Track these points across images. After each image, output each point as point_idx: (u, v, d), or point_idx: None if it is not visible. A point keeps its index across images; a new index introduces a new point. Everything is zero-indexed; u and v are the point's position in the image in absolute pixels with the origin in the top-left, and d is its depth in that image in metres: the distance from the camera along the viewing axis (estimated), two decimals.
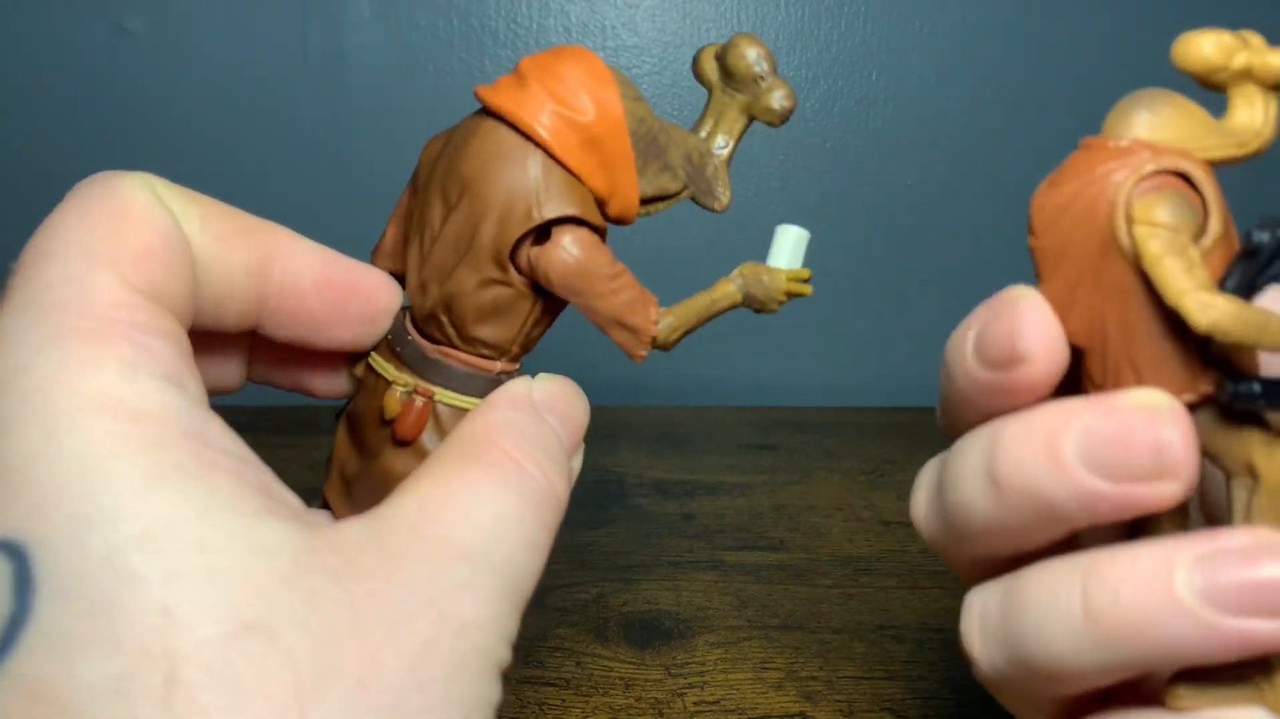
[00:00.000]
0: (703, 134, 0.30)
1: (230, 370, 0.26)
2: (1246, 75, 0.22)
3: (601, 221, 0.26)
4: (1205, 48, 0.22)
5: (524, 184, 0.24)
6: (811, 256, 0.83)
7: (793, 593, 0.47)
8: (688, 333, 0.28)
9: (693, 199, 0.29)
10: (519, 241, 0.25)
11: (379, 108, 0.72)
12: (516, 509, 0.19)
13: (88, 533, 0.13)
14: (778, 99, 0.28)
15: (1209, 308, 0.19)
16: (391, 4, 0.71)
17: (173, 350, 0.17)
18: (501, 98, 0.25)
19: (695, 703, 0.38)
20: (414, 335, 0.26)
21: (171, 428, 0.15)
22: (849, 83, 0.73)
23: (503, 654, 0.18)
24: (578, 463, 0.23)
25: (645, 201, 0.28)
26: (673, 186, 0.28)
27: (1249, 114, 0.22)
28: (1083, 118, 0.80)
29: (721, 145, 0.30)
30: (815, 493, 0.58)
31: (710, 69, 0.30)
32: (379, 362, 0.26)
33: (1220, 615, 0.18)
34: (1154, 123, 0.25)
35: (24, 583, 0.13)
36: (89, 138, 0.73)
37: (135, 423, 0.15)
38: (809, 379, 0.77)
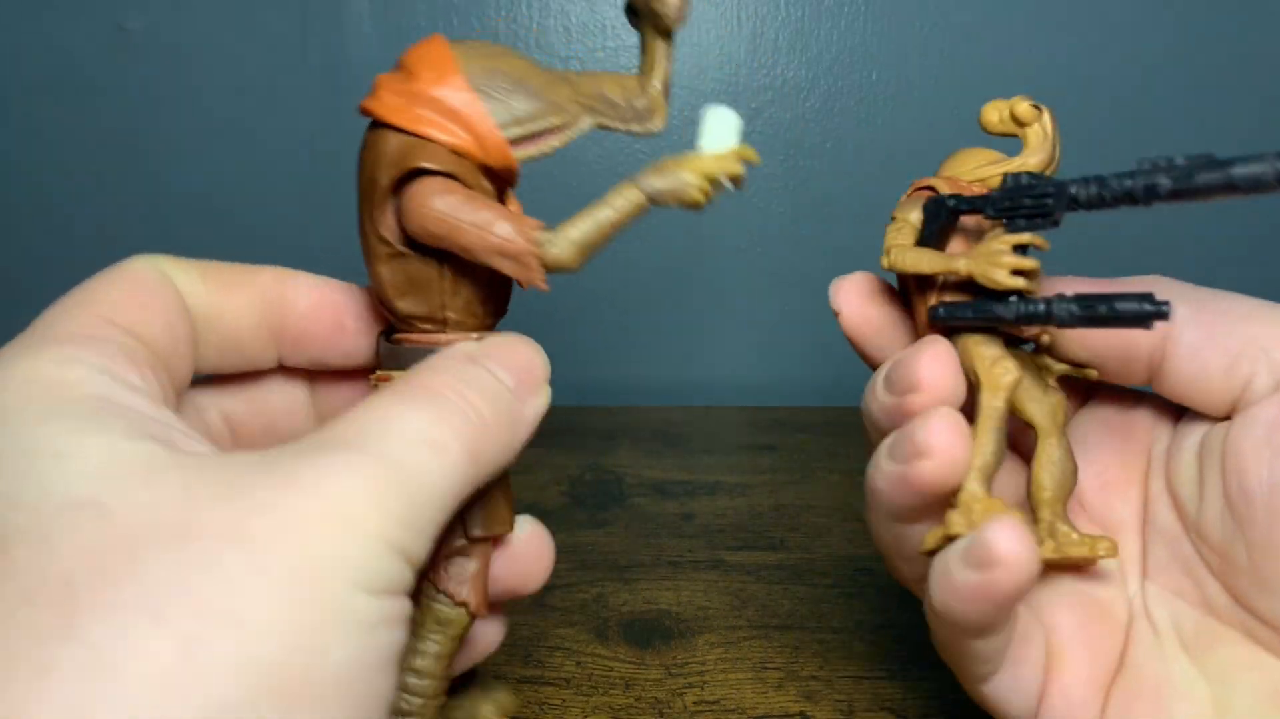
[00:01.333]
0: (636, 74, 0.31)
1: (298, 410, 0.29)
2: (1015, 121, 0.33)
3: (471, 176, 0.26)
4: (984, 116, 0.33)
5: (379, 159, 0.27)
6: (811, 257, 0.82)
7: (793, 593, 0.47)
8: (592, 248, 0.27)
9: (617, 128, 0.30)
10: (393, 212, 0.26)
11: None
12: (416, 415, 0.21)
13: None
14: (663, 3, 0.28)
15: (888, 253, 0.34)
16: (391, 4, 0.71)
17: (118, 354, 0.21)
18: (364, 102, 0.28)
19: (695, 703, 0.38)
20: (382, 339, 0.27)
21: (80, 390, 0.19)
22: (849, 83, 0.73)
23: (380, 554, 0.19)
24: (537, 402, 0.24)
25: (518, 141, 0.27)
26: (554, 120, 0.28)
27: (1032, 140, 0.33)
28: (1081, 117, 0.80)
29: (656, 80, 0.31)
30: (815, 493, 0.58)
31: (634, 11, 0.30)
32: (378, 373, 0.27)
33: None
34: (947, 164, 0.37)
35: None
36: (89, 138, 0.73)
37: (49, 387, 0.19)
38: (809, 379, 0.77)
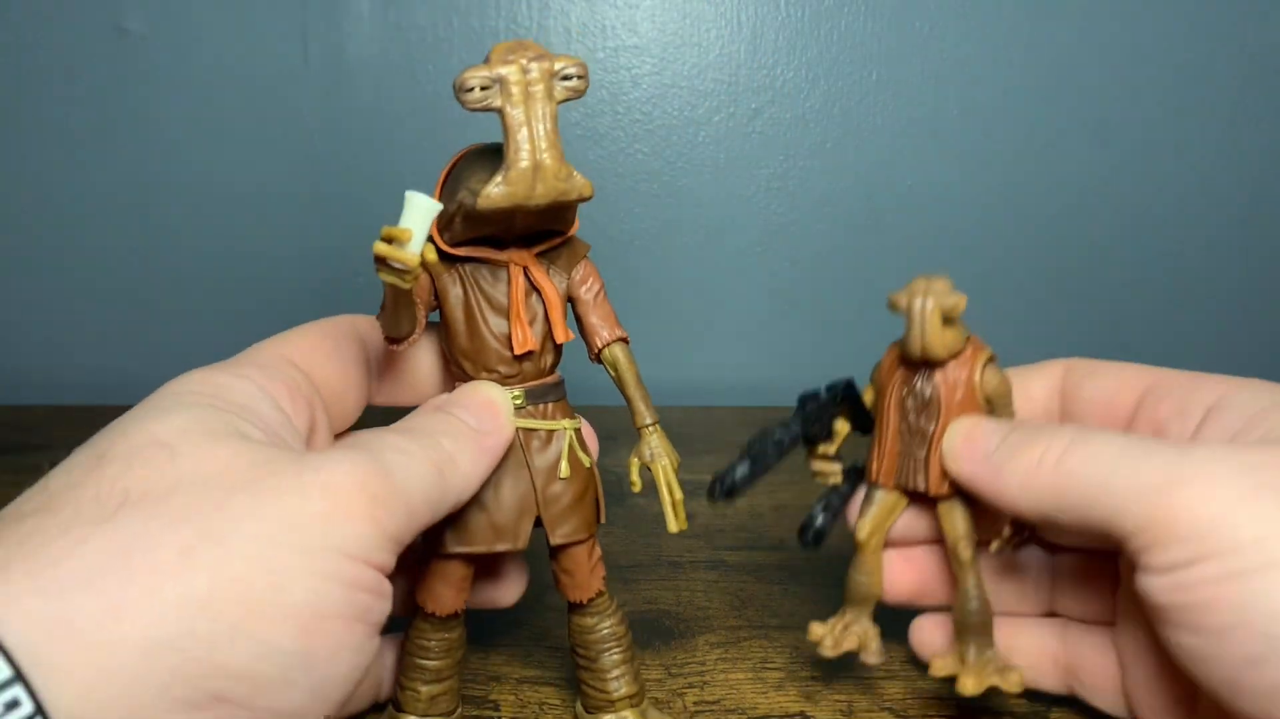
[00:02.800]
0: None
1: None
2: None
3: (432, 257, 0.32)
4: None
5: None
6: (811, 257, 0.82)
7: (792, 593, 0.47)
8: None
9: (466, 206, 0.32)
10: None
11: (379, 108, 0.72)
12: (393, 436, 0.28)
13: (120, 423, 0.27)
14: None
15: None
16: (391, 4, 0.71)
17: (280, 381, 0.29)
18: None
19: (695, 703, 0.38)
20: None
21: (227, 394, 0.27)
22: (849, 83, 0.73)
23: (356, 524, 0.25)
24: (498, 436, 0.32)
25: (444, 228, 0.33)
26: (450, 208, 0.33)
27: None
28: (1081, 118, 0.80)
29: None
30: (815, 493, 0.58)
31: None
32: None
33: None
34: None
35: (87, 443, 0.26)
36: (88, 138, 0.73)
37: (211, 388, 0.28)
38: (809, 379, 0.77)
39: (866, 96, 0.73)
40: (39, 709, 0.20)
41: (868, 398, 0.37)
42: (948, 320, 0.33)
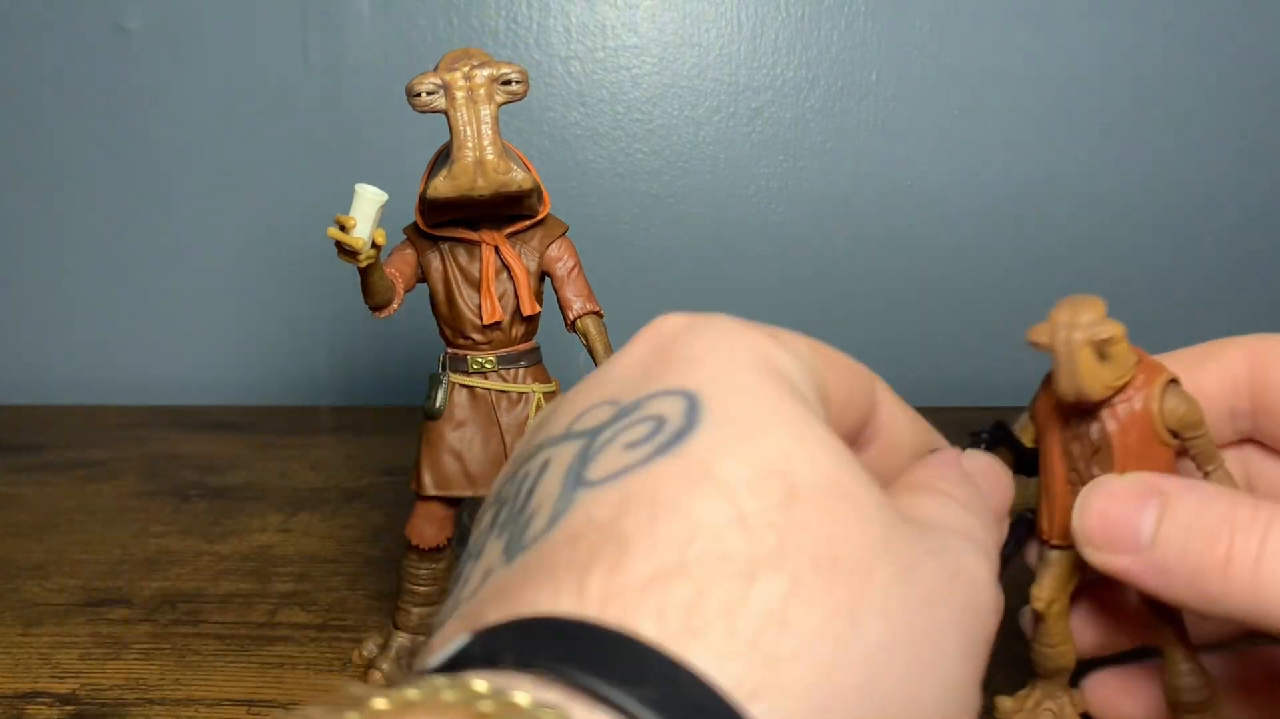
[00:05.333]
0: None
1: None
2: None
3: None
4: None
5: None
6: (811, 257, 0.82)
7: None
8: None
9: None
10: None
11: (379, 108, 0.72)
12: (971, 522, 0.23)
13: (742, 407, 0.20)
14: None
15: None
16: (391, 4, 0.71)
17: (823, 377, 0.24)
18: None
19: None
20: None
21: (793, 387, 0.21)
22: (849, 83, 0.73)
23: (993, 626, 0.22)
24: (1003, 528, 0.26)
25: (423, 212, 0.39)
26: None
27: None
28: (1081, 119, 0.80)
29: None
30: None
31: None
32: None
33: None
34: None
35: (694, 413, 0.19)
36: (89, 138, 0.73)
37: (775, 376, 0.21)
38: None
39: (866, 96, 0.73)
40: None
41: (1027, 437, 0.31)
42: (1104, 353, 0.27)
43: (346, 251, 0.36)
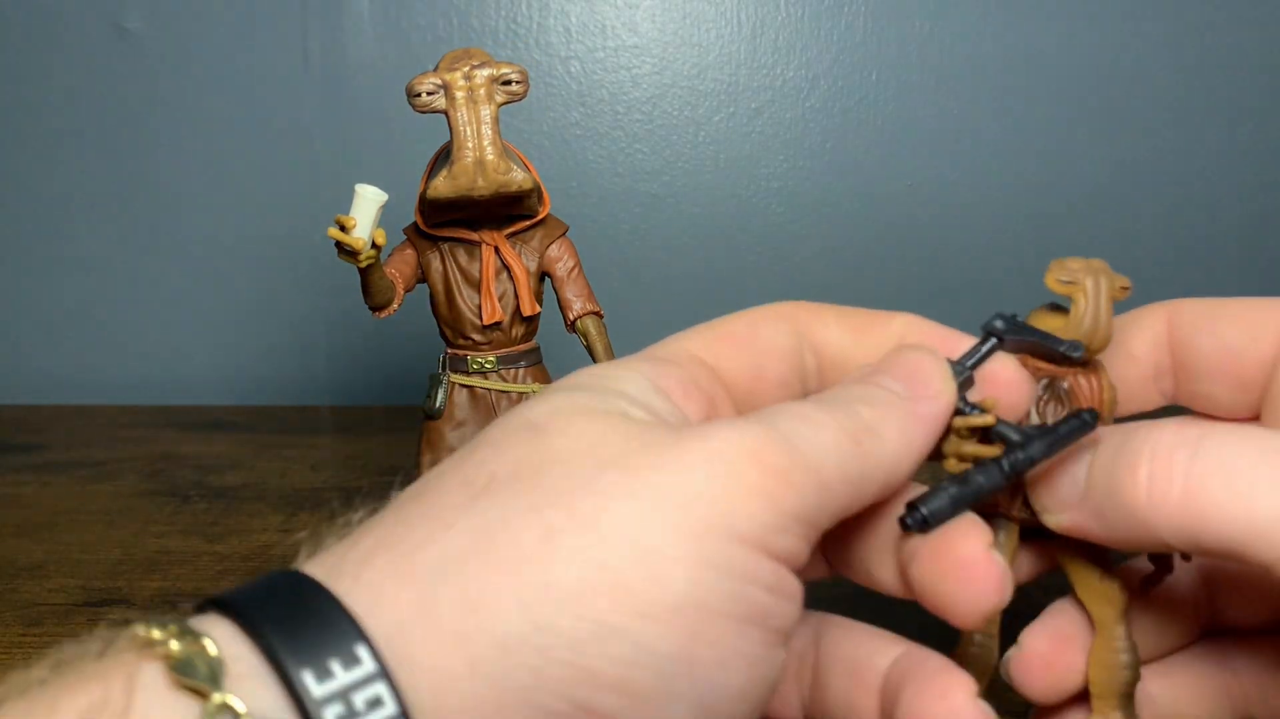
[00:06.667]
0: None
1: None
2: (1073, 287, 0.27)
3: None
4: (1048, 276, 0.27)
5: None
6: (811, 257, 0.83)
7: None
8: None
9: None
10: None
11: (379, 108, 0.72)
12: (800, 404, 0.23)
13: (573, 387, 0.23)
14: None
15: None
16: (391, 4, 0.71)
17: (673, 376, 0.24)
18: None
19: None
20: None
21: (616, 384, 0.23)
22: (849, 83, 0.73)
23: (757, 506, 0.20)
24: (933, 404, 0.24)
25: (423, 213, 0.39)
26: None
27: (1076, 310, 0.26)
28: (1082, 119, 0.80)
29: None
30: None
31: None
32: None
33: None
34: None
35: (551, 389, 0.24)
36: (89, 138, 0.73)
37: (602, 379, 0.23)
38: None
39: (866, 96, 0.73)
40: (403, 711, 0.18)
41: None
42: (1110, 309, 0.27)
43: (347, 251, 0.36)
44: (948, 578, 0.22)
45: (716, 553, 0.19)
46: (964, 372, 0.24)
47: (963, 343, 0.25)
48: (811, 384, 0.26)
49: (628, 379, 0.23)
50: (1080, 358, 0.25)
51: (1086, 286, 0.26)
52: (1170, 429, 0.22)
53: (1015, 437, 0.23)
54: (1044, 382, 0.26)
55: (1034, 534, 0.26)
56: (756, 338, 0.25)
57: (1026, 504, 0.25)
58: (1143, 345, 0.28)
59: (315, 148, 0.73)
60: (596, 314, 0.41)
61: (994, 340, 0.24)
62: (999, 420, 0.23)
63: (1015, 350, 0.25)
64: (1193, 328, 0.28)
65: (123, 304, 0.76)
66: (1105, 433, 0.24)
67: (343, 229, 0.36)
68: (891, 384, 0.23)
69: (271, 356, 0.76)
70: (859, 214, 0.74)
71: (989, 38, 0.72)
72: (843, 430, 0.22)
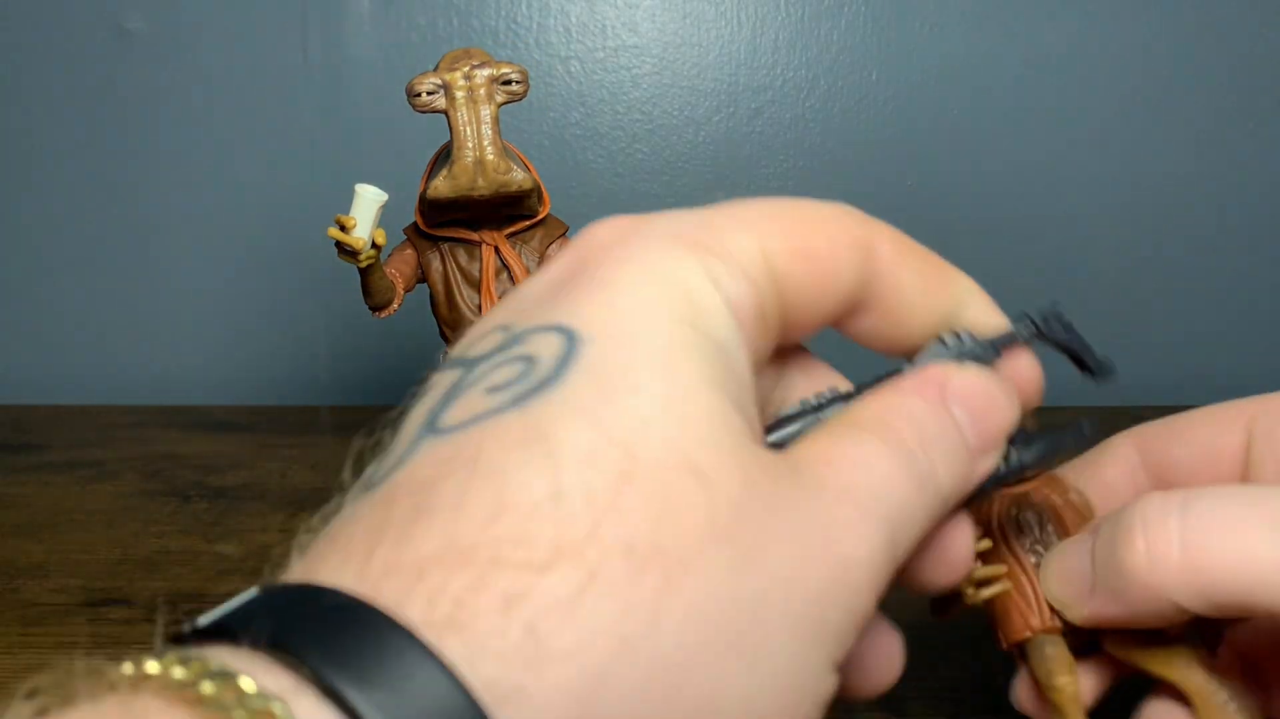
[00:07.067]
0: None
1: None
2: None
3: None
4: None
5: None
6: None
7: None
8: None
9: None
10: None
11: (379, 108, 0.72)
12: (900, 478, 0.19)
13: (622, 358, 0.18)
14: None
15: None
16: (391, 3, 0.71)
17: (751, 301, 0.20)
18: None
19: None
20: None
21: (703, 334, 0.19)
22: (849, 83, 0.73)
23: (867, 604, 0.18)
24: (989, 460, 0.22)
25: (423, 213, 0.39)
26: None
27: None
28: (1082, 118, 0.80)
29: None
30: None
31: None
32: None
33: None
34: None
35: (566, 359, 0.17)
36: (89, 138, 0.73)
37: (683, 318, 0.18)
38: None
39: (866, 96, 0.73)
40: None
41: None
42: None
43: (347, 251, 0.36)
44: (926, 559, 0.22)
45: (830, 647, 0.18)
46: (992, 354, 0.23)
47: (1002, 327, 0.24)
48: (847, 317, 0.23)
49: (718, 315, 0.19)
50: (1108, 376, 0.24)
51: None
52: (1156, 497, 0.23)
53: (1015, 435, 0.22)
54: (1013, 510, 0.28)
55: (1089, 649, 0.27)
56: (833, 265, 0.22)
57: (1054, 612, 0.26)
58: (1118, 474, 0.29)
59: (315, 148, 0.73)
60: None
61: (1029, 333, 0.23)
62: None
63: (1052, 344, 0.24)
64: (1164, 444, 0.29)
65: (123, 304, 0.76)
66: (1097, 524, 0.25)
67: (343, 229, 0.36)
68: (969, 429, 0.21)
69: (271, 357, 0.76)
70: None
71: (989, 38, 0.72)
72: (930, 518, 0.20)
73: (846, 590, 0.18)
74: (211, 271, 0.75)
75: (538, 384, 0.17)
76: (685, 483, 0.17)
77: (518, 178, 0.36)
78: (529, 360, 0.18)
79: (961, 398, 0.21)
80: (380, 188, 0.37)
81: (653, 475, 0.17)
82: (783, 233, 0.21)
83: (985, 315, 0.23)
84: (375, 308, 0.39)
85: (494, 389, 0.18)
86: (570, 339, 0.18)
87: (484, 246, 0.39)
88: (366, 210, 0.36)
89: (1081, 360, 0.24)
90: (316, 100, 0.72)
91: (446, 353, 0.41)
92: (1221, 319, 0.77)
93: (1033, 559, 0.28)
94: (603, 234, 0.21)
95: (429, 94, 0.36)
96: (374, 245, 0.37)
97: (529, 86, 0.36)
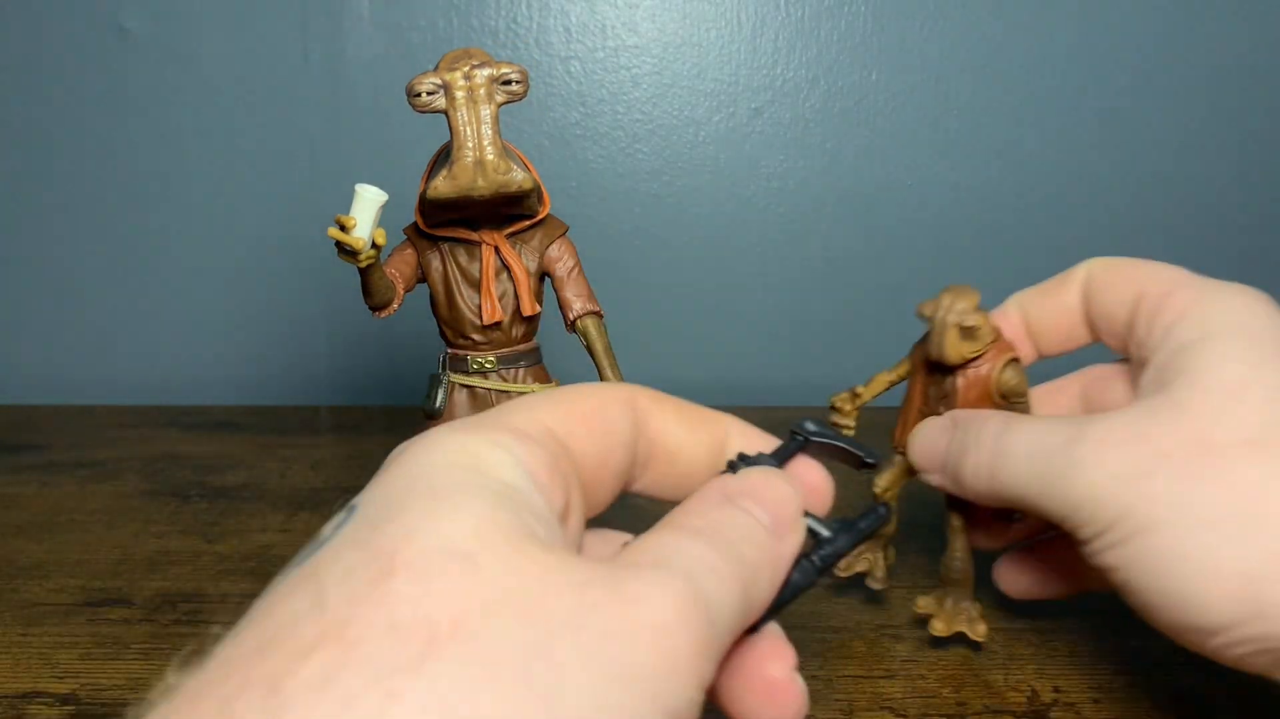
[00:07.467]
0: None
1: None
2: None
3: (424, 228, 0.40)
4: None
5: None
6: (811, 257, 0.83)
7: None
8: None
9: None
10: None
11: (379, 108, 0.72)
12: (702, 548, 0.22)
13: (395, 499, 0.21)
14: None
15: None
16: (391, 4, 0.71)
17: (540, 456, 0.23)
18: None
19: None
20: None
21: (494, 472, 0.21)
22: (849, 83, 0.73)
23: (685, 662, 0.19)
24: (793, 539, 0.24)
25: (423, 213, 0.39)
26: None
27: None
28: (1082, 118, 0.80)
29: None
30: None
31: None
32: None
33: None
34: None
35: (343, 522, 0.21)
36: (89, 138, 0.73)
37: (473, 461, 0.22)
38: (810, 379, 0.77)
39: (866, 96, 0.73)
40: None
41: (902, 369, 0.40)
42: (967, 334, 0.36)
43: (346, 251, 0.36)
44: (754, 694, 0.24)
45: None
46: (774, 464, 0.26)
47: (775, 445, 0.27)
48: (638, 473, 0.27)
49: (504, 465, 0.22)
50: (875, 464, 0.28)
51: (934, 323, 0.37)
52: (990, 425, 0.34)
53: (824, 531, 0.25)
54: (931, 367, 0.38)
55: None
56: (606, 421, 0.25)
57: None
58: (1072, 297, 0.38)
59: (315, 148, 0.73)
60: (596, 314, 0.41)
61: (801, 440, 0.27)
62: (809, 515, 0.25)
63: (818, 453, 0.27)
64: (1095, 285, 0.37)
65: (122, 304, 0.76)
66: (965, 417, 0.35)
67: (343, 229, 0.36)
68: (760, 514, 0.24)
69: (271, 357, 0.76)
70: (859, 214, 0.74)
71: (989, 38, 0.72)
72: (739, 583, 0.22)
73: (662, 657, 0.19)
74: (211, 271, 0.75)
75: (316, 546, 0.20)
76: (450, 566, 0.19)
77: (518, 178, 0.36)
78: (316, 537, 0.21)
79: (744, 492, 0.24)
80: (380, 188, 0.37)
81: (415, 566, 0.18)
82: (556, 404, 0.25)
83: (754, 440, 0.27)
84: (375, 308, 0.39)
85: (293, 563, 0.21)
86: (350, 509, 0.21)
87: (484, 246, 0.39)
88: (366, 210, 0.36)
89: (851, 455, 0.28)
90: (316, 100, 0.72)
91: (447, 353, 0.41)
92: None
93: (924, 408, 0.39)
94: (398, 451, 0.24)
95: (429, 94, 0.36)
96: (374, 245, 0.37)
97: (529, 86, 0.36)
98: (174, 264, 0.75)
